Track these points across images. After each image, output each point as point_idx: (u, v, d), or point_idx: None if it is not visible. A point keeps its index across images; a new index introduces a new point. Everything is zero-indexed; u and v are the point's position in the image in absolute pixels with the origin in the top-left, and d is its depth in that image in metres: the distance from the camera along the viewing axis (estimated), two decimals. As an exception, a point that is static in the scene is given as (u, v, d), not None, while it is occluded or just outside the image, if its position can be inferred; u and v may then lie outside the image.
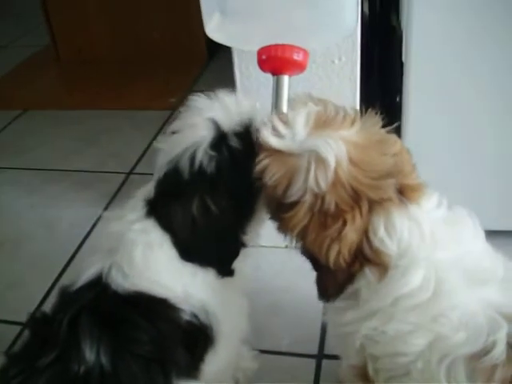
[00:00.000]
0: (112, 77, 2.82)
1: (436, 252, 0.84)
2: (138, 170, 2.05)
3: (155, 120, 2.35)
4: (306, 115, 0.84)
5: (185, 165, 0.92)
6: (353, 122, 0.85)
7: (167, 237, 0.95)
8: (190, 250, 0.96)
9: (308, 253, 0.88)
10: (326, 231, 0.83)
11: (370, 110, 0.89)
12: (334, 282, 0.89)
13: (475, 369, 0.80)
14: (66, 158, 2.16)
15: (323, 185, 0.80)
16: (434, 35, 1.27)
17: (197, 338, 0.97)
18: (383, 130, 0.88)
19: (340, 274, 0.87)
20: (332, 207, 0.81)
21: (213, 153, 0.92)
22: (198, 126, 0.94)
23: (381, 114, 0.89)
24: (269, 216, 0.95)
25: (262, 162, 0.85)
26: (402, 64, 1.35)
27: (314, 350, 1.29)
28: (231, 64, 2.58)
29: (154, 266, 0.95)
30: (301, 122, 0.84)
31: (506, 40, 1.25)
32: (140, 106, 2.49)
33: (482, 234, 0.90)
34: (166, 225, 0.95)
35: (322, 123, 0.84)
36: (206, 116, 0.94)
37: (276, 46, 1.06)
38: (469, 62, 1.29)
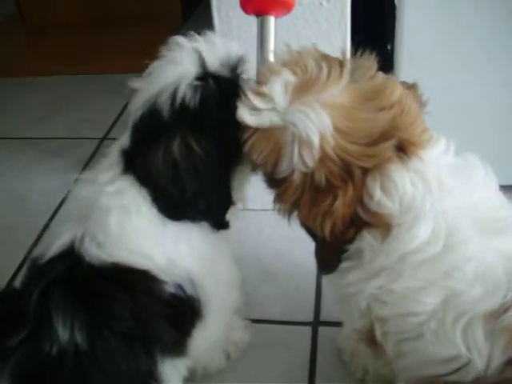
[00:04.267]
0: (81, 41, 2.65)
1: (444, 201, 0.77)
2: (112, 134, 1.93)
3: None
4: (284, 83, 0.76)
5: (165, 102, 0.81)
6: (340, 75, 0.76)
7: (146, 195, 0.85)
8: (174, 203, 0.85)
9: (304, 225, 0.83)
10: (317, 206, 0.77)
11: (361, 53, 0.81)
12: (332, 251, 0.83)
13: (494, 329, 0.72)
14: (36, 126, 2.03)
15: (309, 163, 0.74)
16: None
17: (183, 311, 0.88)
18: (379, 76, 0.79)
19: (337, 243, 0.81)
20: (323, 182, 0.76)
21: (198, 83, 0.82)
22: (180, 61, 0.84)
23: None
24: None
25: (248, 140, 0.78)
26: (394, 7, 1.25)
27: (310, 317, 1.21)
28: (208, 24, 2.47)
29: (132, 232, 0.85)
30: (279, 92, 0.76)
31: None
32: (113, 70, 2.32)
33: (495, 182, 0.82)
34: (145, 176, 0.84)
35: (304, 86, 0.76)
36: (189, 51, 0.85)
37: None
38: (468, 4, 1.19)
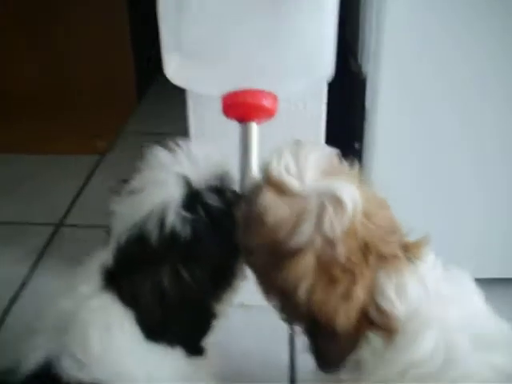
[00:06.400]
0: (32, 118, 2.57)
1: (443, 311, 0.76)
2: (68, 221, 1.86)
3: (83, 165, 2.19)
4: (318, 158, 0.79)
5: (152, 229, 0.79)
6: (355, 175, 0.81)
7: (129, 314, 0.81)
8: (156, 326, 0.82)
9: (307, 314, 0.77)
10: (333, 287, 0.74)
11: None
12: (338, 348, 0.79)
13: None
14: None
15: (338, 230, 0.73)
16: (404, 80, 1.22)
17: None
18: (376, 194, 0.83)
19: (345, 339, 0.77)
20: (342, 259, 0.74)
21: (187, 214, 0.80)
22: (164, 183, 0.82)
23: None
24: (257, 268, 0.84)
25: (266, 197, 0.76)
26: (363, 109, 1.29)
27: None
28: (163, 102, 2.48)
29: (115, 351, 0.81)
30: (313, 164, 0.78)
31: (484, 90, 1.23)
32: (65, 151, 2.29)
33: (482, 295, 0.82)
34: (129, 299, 0.81)
35: (330, 170, 0.79)
36: (172, 171, 0.83)
37: (243, 91, 0.96)
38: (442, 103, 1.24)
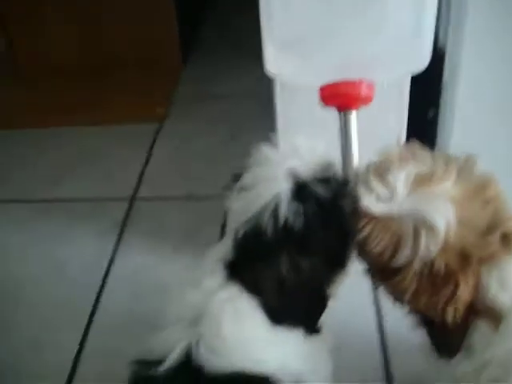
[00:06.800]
0: (81, 88, 2.55)
1: None
2: (140, 193, 1.90)
3: (144, 134, 2.20)
4: (407, 174, 0.80)
5: (267, 221, 0.84)
6: (451, 171, 0.82)
7: (254, 302, 0.87)
8: (279, 311, 0.88)
9: (420, 314, 0.86)
10: (438, 294, 0.80)
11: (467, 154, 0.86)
12: (453, 337, 0.84)
13: None
14: (53, 186, 1.96)
15: (433, 251, 0.78)
16: (484, 53, 1.22)
17: None
18: (479, 174, 0.85)
19: (457, 329, 0.83)
20: (442, 270, 0.79)
21: (298, 205, 0.84)
22: (273, 177, 0.86)
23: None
24: (367, 271, 0.90)
25: (364, 229, 0.81)
26: (439, 79, 1.30)
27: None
28: (208, 66, 2.43)
29: (248, 339, 0.87)
30: (402, 182, 0.80)
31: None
32: (123, 120, 2.29)
33: None
34: (253, 289, 0.87)
35: (422, 179, 0.80)
36: (279, 165, 0.87)
37: (344, 82, 0.99)
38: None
